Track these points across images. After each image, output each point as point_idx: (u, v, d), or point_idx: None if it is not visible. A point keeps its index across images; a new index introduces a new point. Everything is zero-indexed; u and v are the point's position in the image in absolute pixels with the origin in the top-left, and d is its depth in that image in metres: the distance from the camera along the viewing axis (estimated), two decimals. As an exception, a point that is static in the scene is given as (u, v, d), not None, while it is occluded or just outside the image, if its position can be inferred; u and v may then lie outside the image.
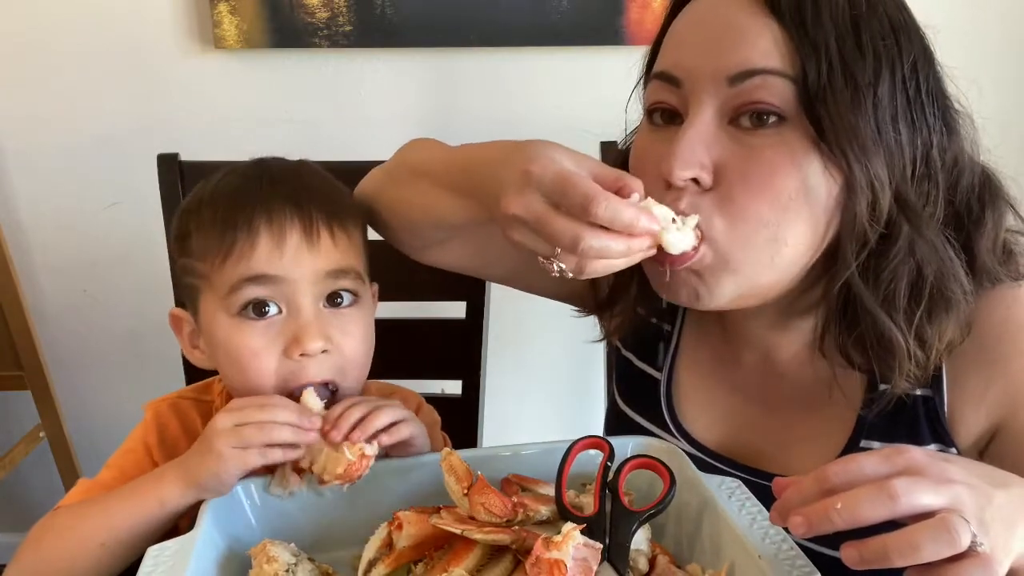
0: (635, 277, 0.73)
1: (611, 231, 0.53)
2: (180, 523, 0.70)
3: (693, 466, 0.68)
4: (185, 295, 0.79)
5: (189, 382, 1.23)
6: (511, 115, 1.56)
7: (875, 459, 0.49)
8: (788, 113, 0.58)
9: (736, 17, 0.60)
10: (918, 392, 0.67)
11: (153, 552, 0.60)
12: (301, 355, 0.71)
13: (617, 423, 0.85)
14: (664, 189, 0.61)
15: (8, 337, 1.57)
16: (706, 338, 0.79)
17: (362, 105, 1.56)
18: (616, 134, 1.26)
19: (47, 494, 1.83)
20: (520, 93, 1.55)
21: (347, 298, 0.75)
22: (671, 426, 0.79)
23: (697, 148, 0.59)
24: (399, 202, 0.80)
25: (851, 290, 0.62)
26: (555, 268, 0.56)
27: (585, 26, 1.46)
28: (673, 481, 0.62)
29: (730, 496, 0.65)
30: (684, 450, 0.77)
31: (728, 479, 0.67)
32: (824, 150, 0.58)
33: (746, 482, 0.71)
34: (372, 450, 0.67)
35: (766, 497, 0.64)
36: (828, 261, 0.63)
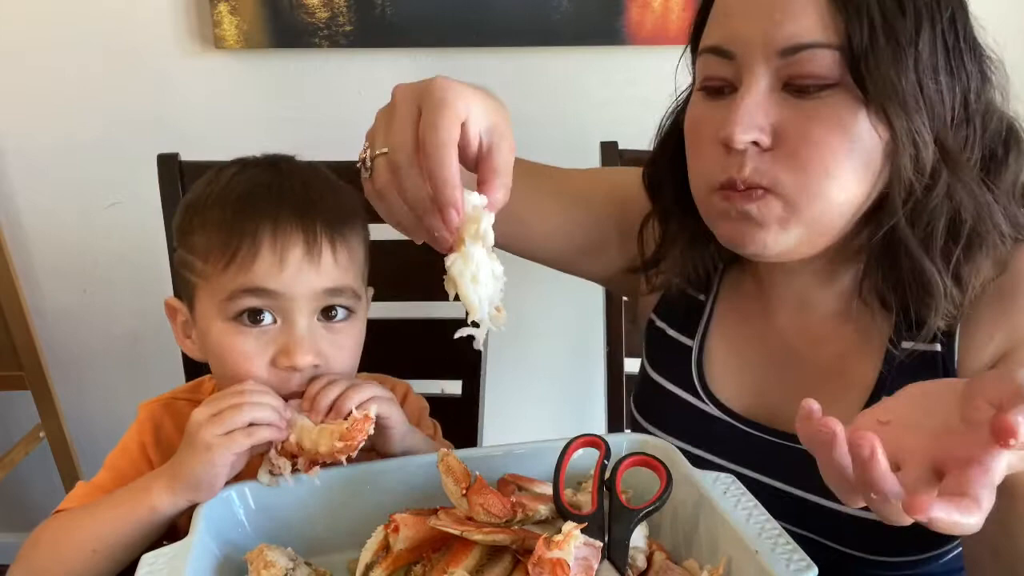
0: (682, 231, 0.79)
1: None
2: (180, 521, 0.70)
3: (688, 463, 0.68)
4: (181, 286, 0.80)
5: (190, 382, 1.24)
6: (511, 115, 1.55)
7: None
8: (836, 79, 0.62)
9: None
10: (937, 348, 0.71)
11: (148, 560, 0.59)
12: (289, 367, 0.72)
13: (648, 391, 0.87)
14: (725, 155, 0.66)
15: (8, 337, 1.57)
16: (740, 306, 0.83)
17: (362, 105, 1.55)
18: (616, 134, 1.27)
19: (47, 494, 1.83)
20: (520, 93, 1.55)
21: (341, 313, 0.77)
22: (700, 391, 0.81)
23: (755, 113, 0.63)
24: None
25: (894, 234, 0.66)
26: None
27: (585, 26, 1.45)
28: (670, 478, 0.62)
29: (725, 492, 0.65)
30: (712, 415, 0.80)
31: (723, 475, 0.68)
32: (870, 109, 0.62)
33: (771, 445, 0.75)
34: (374, 411, 0.68)
35: (789, 458, 0.64)
36: (873, 208, 0.67)
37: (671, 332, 0.86)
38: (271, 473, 0.69)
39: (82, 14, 1.50)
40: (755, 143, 0.64)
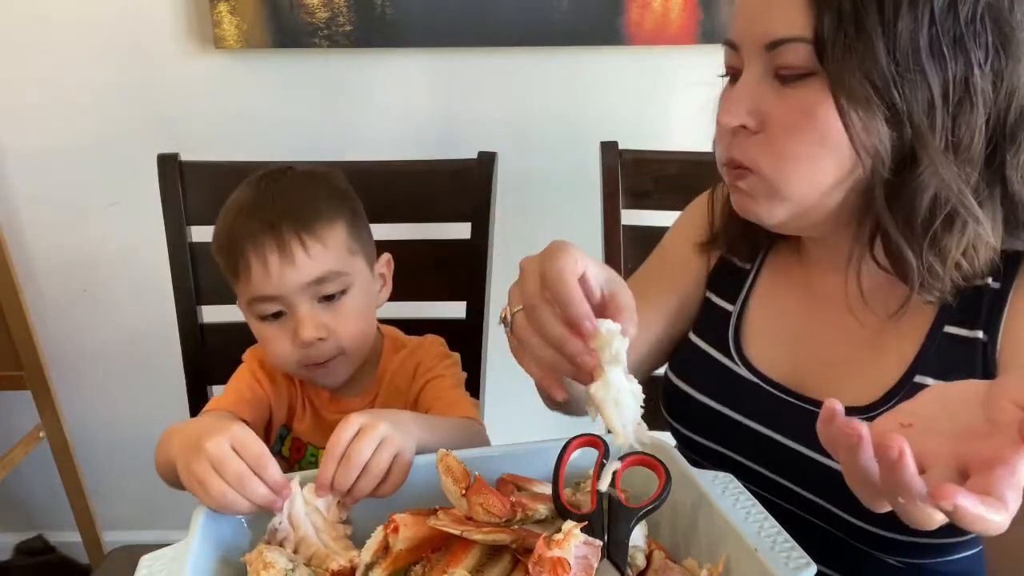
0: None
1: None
2: None
3: (686, 462, 0.69)
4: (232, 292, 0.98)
5: (189, 383, 1.24)
6: (511, 115, 1.56)
7: None
8: (812, 69, 0.66)
9: None
10: (979, 335, 0.71)
11: (146, 561, 0.60)
12: (302, 343, 0.90)
13: (685, 352, 0.90)
14: (728, 135, 0.73)
15: (8, 337, 1.57)
16: (782, 277, 0.86)
17: (362, 105, 1.56)
18: (616, 134, 1.27)
19: (47, 494, 1.83)
20: (520, 93, 1.55)
21: (336, 294, 0.93)
22: (734, 354, 0.84)
23: (742, 102, 0.70)
24: None
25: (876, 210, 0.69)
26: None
27: (585, 26, 1.45)
28: (668, 477, 0.62)
29: (724, 491, 0.66)
30: (743, 376, 0.83)
31: (721, 474, 0.68)
32: (840, 96, 0.65)
33: (800, 410, 0.77)
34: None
35: (813, 423, 0.65)
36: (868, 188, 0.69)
37: (715, 299, 0.89)
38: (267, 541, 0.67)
39: (82, 14, 1.50)
40: (744, 127, 0.70)
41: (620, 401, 0.57)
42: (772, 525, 0.61)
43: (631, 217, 1.24)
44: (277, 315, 0.92)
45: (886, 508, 0.46)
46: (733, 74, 0.74)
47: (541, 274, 0.58)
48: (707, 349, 0.87)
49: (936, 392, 0.50)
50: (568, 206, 1.56)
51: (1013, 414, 0.43)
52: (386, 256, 1.04)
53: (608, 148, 1.25)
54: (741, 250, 0.88)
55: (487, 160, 1.21)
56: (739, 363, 0.83)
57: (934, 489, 0.40)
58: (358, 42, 1.48)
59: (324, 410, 1.02)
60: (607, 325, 0.57)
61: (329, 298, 0.92)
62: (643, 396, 0.58)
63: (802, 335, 0.82)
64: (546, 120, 1.56)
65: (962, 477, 0.43)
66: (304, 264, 0.89)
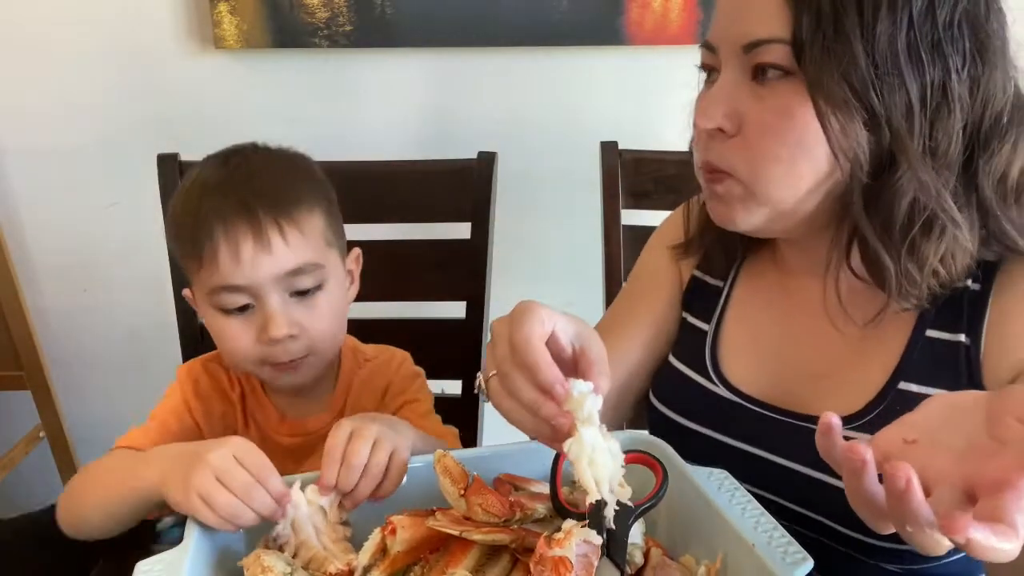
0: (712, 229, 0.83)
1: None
2: None
3: (682, 460, 0.69)
4: (186, 279, 0.89)
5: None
6: (511, 115, 1.56)
7: None
8: (790, 68, 0.65)
9: None
10: (962, 339, 0.70)
11: (143, 567, 0.59)
12: (268, 340, 0.82)
13: (664, 374, 0.89)
14: (705, 138, 0.72)
15: (8, 337, 1.58)
16: (758, 291, 0.85)
17: (362, 105, 1.56)
18: (616, 134, 1.27)
19: (47, 494, 1.82)
20: (520, 93, 1.55)
21: (311, 289, 0.84)
22: (712, 373, 0.83)
23: (718, 104, 0.69)
24: None
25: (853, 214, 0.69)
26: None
27: (585, 26, 1.45)
28: (666, 474, 0.62)
29: (719, 487, 0.66)
30: (722, 396, 0.81)
31: (716, 471, 0.68)
32: (818, 98, 0.64)
33: (784, 425, 0.76)
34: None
35: (801, 438, 0.65)
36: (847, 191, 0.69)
37: (690, 319, 0.89)
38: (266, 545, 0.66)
39: (82, 14, 1.51)
40: (721, 130, 0.69)
41: (594, 460, 0.56)
42: (768, 520, 0.61)
43: (631, 217, 1.24)
44: (243, 308, 0.82)
45: (890, 530, 0.45)
46: (709, 71, 0.73)
47: (509, 340, 0.57)
48: (685, 371, 0.86)
49: (940, 403, 0.49)
50: (568, 206, 1.57)
51: (1018, 432, 0.42)
52: (356, 251, 0.95)
53: (608, 148, 1.25)
54: (715, 261, 0.87)
55: (487, 160, 1.21)
56: (717, 383, 0.82)
57: (945, 522, 0.38)
58: (358, 42, 1.48)
59: (274, 433, 0.94)
60: (579, 387, 0.56)
61: (302, 293, 0.84)
62: (622, 456, 0.58)
63: (781, 348, 0.81)
64: (546, 120, 1.56)
65: (968, 498, 0.42)
66: (281, 253, 0.81)
